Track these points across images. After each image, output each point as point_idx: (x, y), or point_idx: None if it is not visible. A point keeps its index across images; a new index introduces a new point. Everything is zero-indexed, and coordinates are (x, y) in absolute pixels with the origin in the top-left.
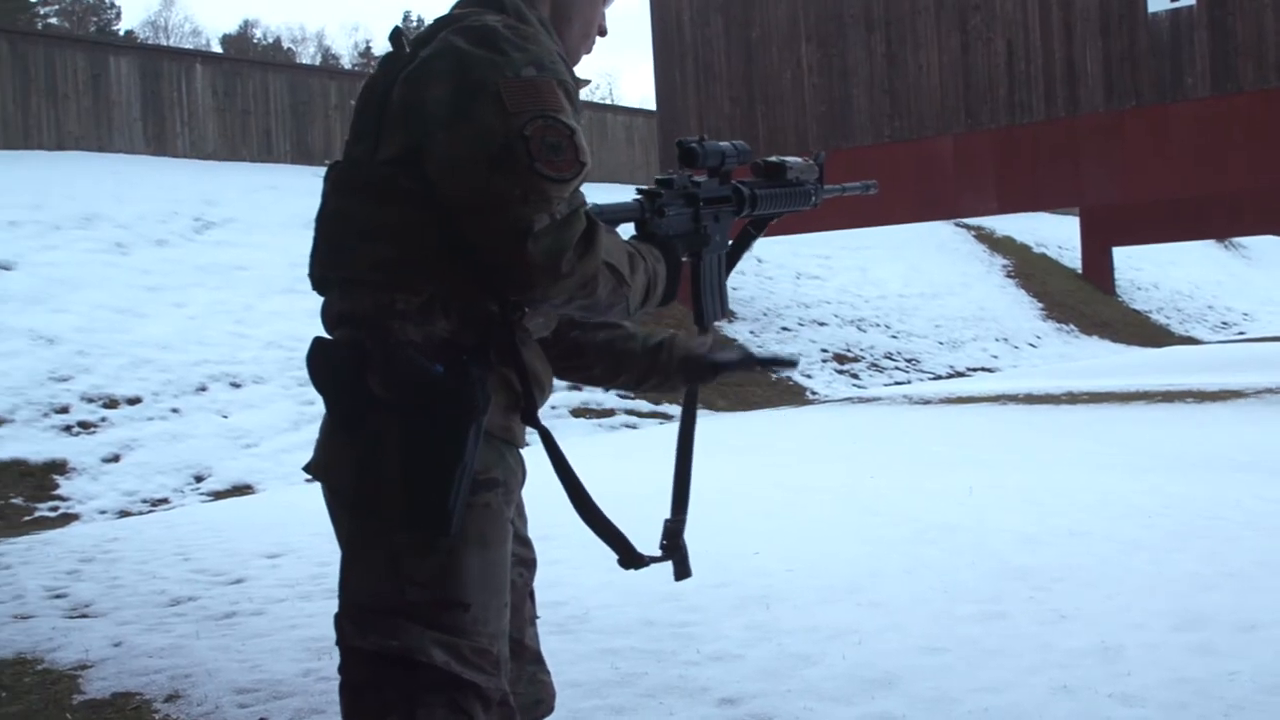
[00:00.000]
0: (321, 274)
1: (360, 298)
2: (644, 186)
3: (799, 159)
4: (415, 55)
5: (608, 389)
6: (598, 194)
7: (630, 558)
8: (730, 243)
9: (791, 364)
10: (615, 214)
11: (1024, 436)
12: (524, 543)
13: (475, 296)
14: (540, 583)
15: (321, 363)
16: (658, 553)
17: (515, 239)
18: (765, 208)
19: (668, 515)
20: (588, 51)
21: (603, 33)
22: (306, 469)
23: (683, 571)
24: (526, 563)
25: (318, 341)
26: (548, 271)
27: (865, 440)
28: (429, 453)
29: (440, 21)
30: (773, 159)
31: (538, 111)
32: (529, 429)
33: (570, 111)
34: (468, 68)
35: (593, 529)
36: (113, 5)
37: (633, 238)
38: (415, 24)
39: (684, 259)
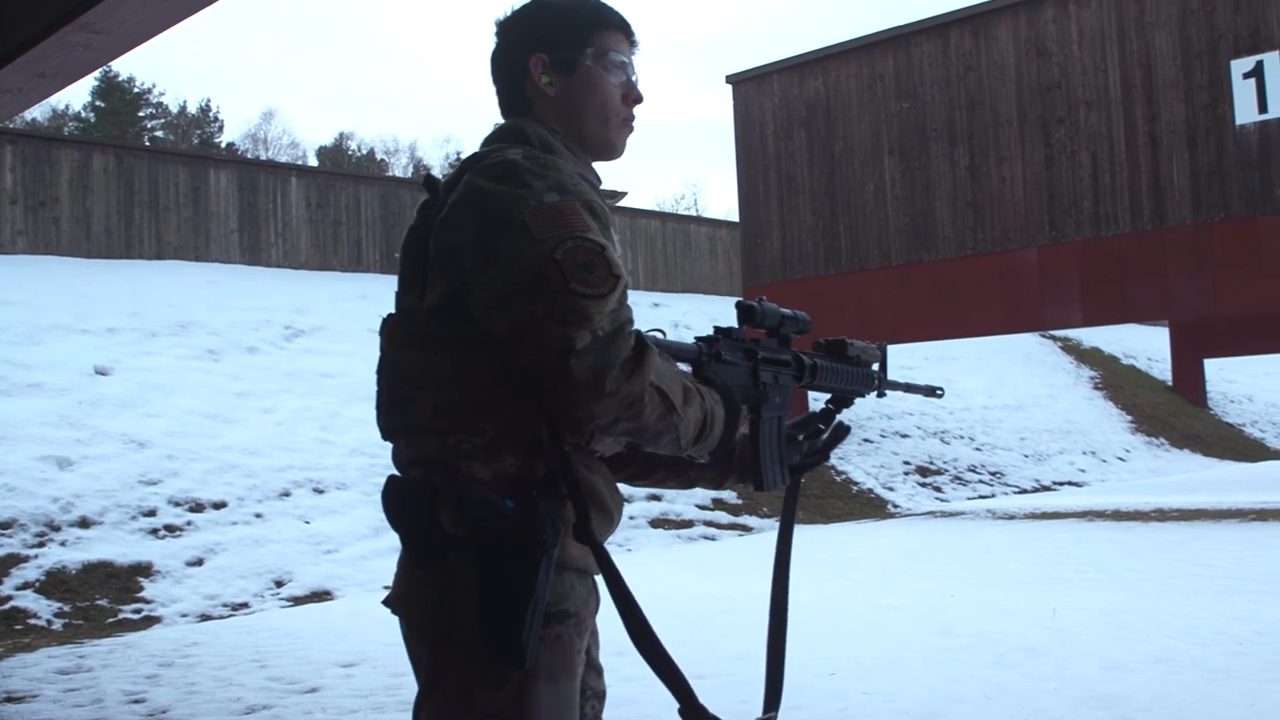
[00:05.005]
0: (387, 425)
1: (426, 443)
2: (702, 334)
3: (863, 342)
4: (445, 201)
5: (693, 488)
6: (682, 303)
7: (692, 710)
8: (822, 436)
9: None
10: (672, 351)
11: (1110, 555)
12: (597, 672)
13: (536, 429)
14: (615, 699)
15: (396, 501)
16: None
17: (558, 358)
18: (825, 380)
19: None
20: (629, 130)
21: (638, 100)
22: (386, 603)
23: None
24: (599, 694)
25: (392, 480)
26: (591, 389)
27: (946, 556)
28: (502, 588)
29: (465, 162)
30: (836, 338)
31: (566, 234)
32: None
33: (598, 229)
34: (492, 206)
35: (654, 669)
36: (216, 119)
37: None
38: None
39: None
